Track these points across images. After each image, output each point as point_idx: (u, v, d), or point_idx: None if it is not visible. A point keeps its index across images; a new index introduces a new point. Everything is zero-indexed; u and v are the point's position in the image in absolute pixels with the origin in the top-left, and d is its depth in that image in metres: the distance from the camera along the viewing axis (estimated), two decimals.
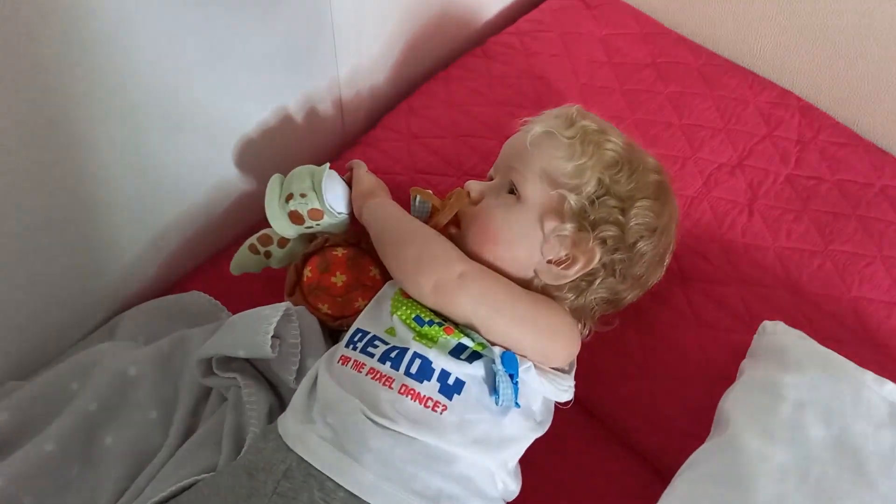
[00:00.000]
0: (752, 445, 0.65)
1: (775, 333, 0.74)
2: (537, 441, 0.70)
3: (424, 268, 0.68)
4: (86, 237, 0.77)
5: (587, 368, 0.75)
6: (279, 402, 0.77)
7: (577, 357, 0.74)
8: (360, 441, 0.60)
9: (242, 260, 0.84)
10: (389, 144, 0.96)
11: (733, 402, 0.70)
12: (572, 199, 0.69)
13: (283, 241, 0.83)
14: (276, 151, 0.91)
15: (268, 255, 0.83)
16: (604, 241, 0.70)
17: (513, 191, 0.73)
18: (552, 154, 0.71)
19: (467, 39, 1.13)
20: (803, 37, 0.99)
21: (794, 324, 0.76)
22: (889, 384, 0.67)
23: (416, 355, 0.64)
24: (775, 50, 1.03)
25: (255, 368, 0.78)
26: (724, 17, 1.06)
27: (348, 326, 0.77)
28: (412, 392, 0.63)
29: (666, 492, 0.68)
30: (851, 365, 0.69)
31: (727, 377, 0.76)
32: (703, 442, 0.72)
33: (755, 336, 0.76)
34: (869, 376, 0.67)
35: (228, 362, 0.76)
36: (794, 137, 0.95)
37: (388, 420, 0.61)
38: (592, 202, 0.70)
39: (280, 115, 0.88)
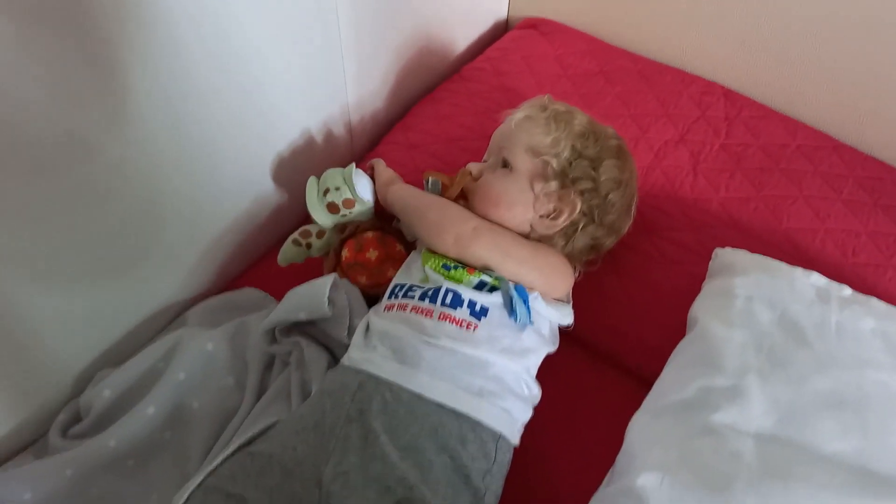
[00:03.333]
0: (717, 332, 0.83)
1: (724, 255, 0.93)
2: (539, 370, 0.86)
3: (446, 226, 0.86)
4: (145, 251, 0.92)
5: (575, 306, 0.92)
6: (334, 360, 0.93)
7: None
8: (415, 354, 0.77)
9: (288, 252, 1.00)
10: (393, 155, 1.15)
11: (698, 306, 0.88)
12: (554, 163, 0.89)
13: (320, 233, 1.00)
14: (301, 169, 1.08)
15: (308, 245, 1.00)
16: (582, 193, 0.89)
17: (506, 165, 0.92)
18: (533, 132, 0.91)
19: (446, 69, 1.34)
20: (721, 37, 1.22)
21: None
22: (814, 274, 0.86)
23: (448, 290, 0.82)
24: (698, 51, 1.26)
25: (309, 337, 0.94)
26: (654, 29, 1.29)
27: (383, 292, 0.94)
28: (449, 317, 0.80)
29: (657, 380, 0.85)
30: (784, 265, 0.88)
31: (690, 298, 0.94)
32: None
33: (710, 262, 0.95)
34: (798, 270, 0.86)
35: (289, 332, 0.92)
36: (722, 116, 1.17)
37: (433, 339, 0.78)
38: (570, 163, 0.89)
39: (305, 137, 1.07)
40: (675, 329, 0.93)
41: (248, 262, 1.10)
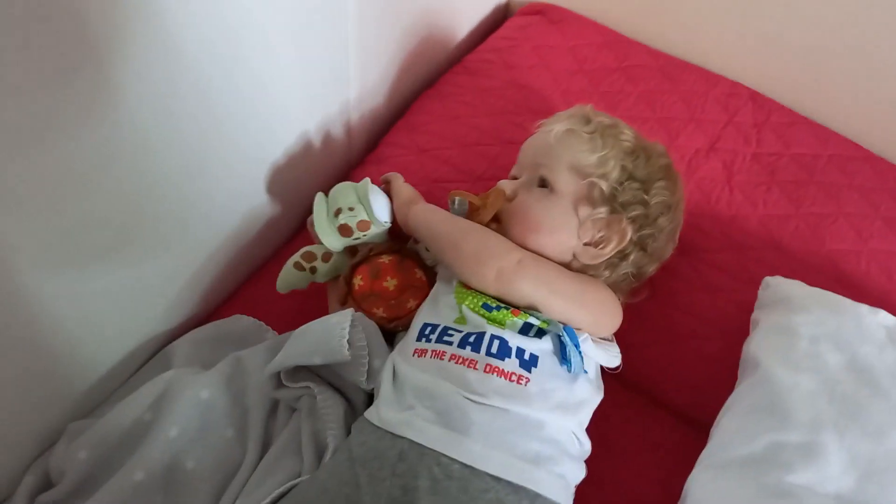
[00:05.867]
0: (783, 377, 0.75)
1: (778, 285, 0.86)
2: None
3: (486, 259, 0.75)
4: (125, 278, 0.78)
5: (617, 340, 0.83)
6: (349, 406, 0.81)
7: None
8: (463, 417, 0.66)
9: (288, 278, 0.87)
10: (399, 160, 1.02)
11: (757, 346, 0.80)
12: (603, 185, 0.78)
13: (326, 256, 0.87)
14: (296, 176, 0.95)
15: (313, 270, 0.88)
16: (633, 220, 0.79)
17: (544, 185, 0.81)
18: (577, 148, 0.80)
19: (446, 59, 1.21)
20: (743, 35, 1.13)
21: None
22: (882, 312, 0.79)
23: (493, 337, 0.71)
24: (720, 48, 1.17)
25: (319, 379, 0.82)
26: (674, 24, 1.19)
27: (403, 327, 0.83)
28: (497, 370, 0.69)
29: (715, 429, 0.78)
30: (848, 301, 0.81)
31: (738, 330, 0.87)
32: (723, 389, 0.82)
33: (760, 290, 0.88)
34: (864, 308, 0.80)
35: (295, 373, 0.80)
36: (751, 121, 1.09)
37: (481, 397, 0.68)
38: (620, 186, 0.79)
39: (303, 140, 0.93)
40: (722, 363, 0.86)
41: (236, 284, 0.96)
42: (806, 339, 0.78)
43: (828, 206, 0.99)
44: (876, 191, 1.03)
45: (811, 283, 0.87)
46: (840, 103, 1.11)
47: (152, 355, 0.88)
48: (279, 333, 0.90)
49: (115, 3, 0.58)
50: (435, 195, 0.96)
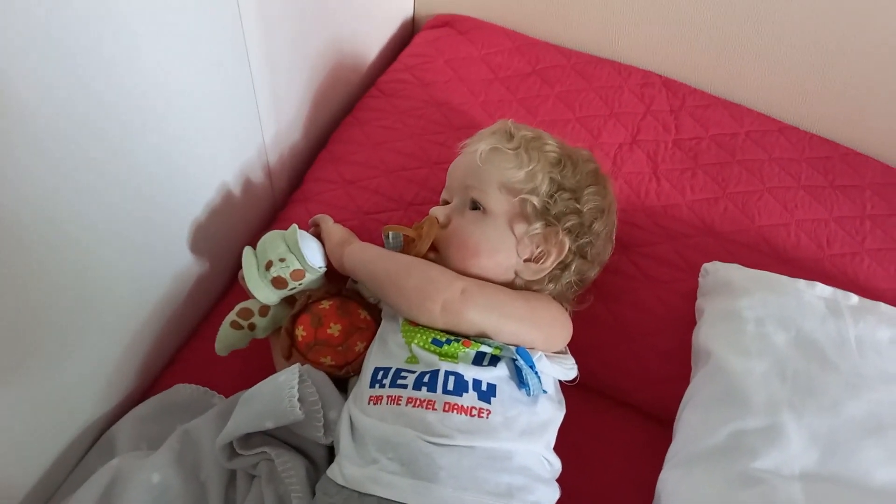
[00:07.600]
0: (735, 364, 0.76)
1: (717, 271, 0.87)
2: None
3: (430, 293, 0.73)
4: (57, 363, 0.73)
5: (571, 347, 0.83)
6: (309, 462, 0.78)
7: None
8: (430, 463, 0.64)
9: (227, 338, 0.84)
10: (327, 195, 0.99)
11: (706, 336, 0.81)
12: (535, 201, 0.78)
13: (264, 310, 0.84)
14: (220, 230, 0.91)
15: (252, 327, 0.84)
16: (569, 230, 0.79)
17: (476, 207, 0.80)
18: (504, 166, 0.79)
19: (360, 81, 1.19)
20: (652, 23, 1.15)
21: (720, 260, 0.90)
22: (818, 285, 0.81)
23: (448, 373, 0.69)
24: (630, 39, 1.18)
25: (275, 440, 0.79)
26: (580, 20, 1.20)
27: (354, 371, 0.81)
28: (456, 407, 0.68)
29: (678, 425, 0.78)
30: (785, 278, 0.83)
31: (684, 319, 0.88)
32: (682, 381, 0.83)
33: (700, 278, 0.89)
34: (802, 283, 0.82)
35: (248, 439, 0.77)
36: (667, 108, 1.11)
37: (444, 438, 0.66)
38: (551, 198, 0.78)
39: (223, 193, 0.89)
40: (675, 354, 0.87)
41: (172, 351, 0.91)
42: (751, 322, 0.79)
43: (752, 184, 1.02)
44: (794, 161, 1.06)
45: (747, 262, 0.89)
46: (748, 79, 1.14)
47: (94, 442, 0.82)
48: (226, 396, 0.86)
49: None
50: (368, 228, 0.94)
